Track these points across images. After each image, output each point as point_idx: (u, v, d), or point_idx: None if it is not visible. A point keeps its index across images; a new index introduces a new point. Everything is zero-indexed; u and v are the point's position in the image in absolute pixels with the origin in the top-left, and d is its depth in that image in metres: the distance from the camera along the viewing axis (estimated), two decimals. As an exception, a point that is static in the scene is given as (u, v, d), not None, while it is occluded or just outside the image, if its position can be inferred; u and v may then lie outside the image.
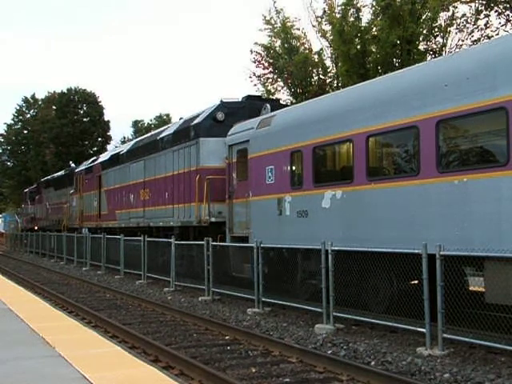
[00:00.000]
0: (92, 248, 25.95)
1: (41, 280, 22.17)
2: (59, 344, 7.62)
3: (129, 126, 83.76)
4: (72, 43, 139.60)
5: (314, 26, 29.48)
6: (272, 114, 15.39)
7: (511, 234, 8.40)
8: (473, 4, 22.72)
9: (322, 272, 10.83)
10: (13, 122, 70.32)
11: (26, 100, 70.69)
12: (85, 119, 64.42)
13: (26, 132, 68.98)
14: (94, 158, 34.16)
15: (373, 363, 8.36)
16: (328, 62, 30.26)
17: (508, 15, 22.30)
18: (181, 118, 23.10)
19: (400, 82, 11.26)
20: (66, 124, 61.41)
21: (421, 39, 24.99)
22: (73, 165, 50.10)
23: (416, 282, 9.67)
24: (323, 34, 28.83)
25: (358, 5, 26.66)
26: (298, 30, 30.74)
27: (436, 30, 24.87)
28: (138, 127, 78.76)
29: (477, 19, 23.06)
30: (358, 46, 25.92)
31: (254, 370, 8.23)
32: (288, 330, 10.78)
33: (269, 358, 9.00)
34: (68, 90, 64.61)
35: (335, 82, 29.79)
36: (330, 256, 10.64)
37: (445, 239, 9.03)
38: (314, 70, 30.27)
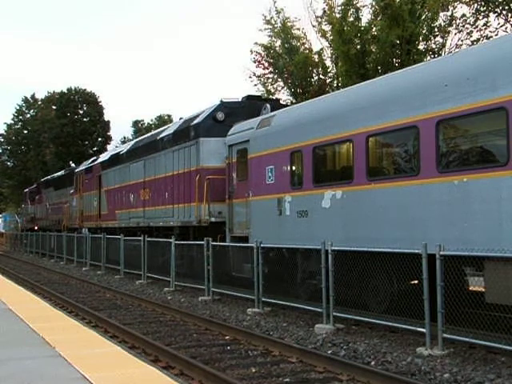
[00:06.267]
0: (92, 248, 25.96)
1: (41, 280, 22.17)
2: (59, 344, 7.62)
3: (129, 126, 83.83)
4: (72, 44, 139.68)
5: (313, 26, 29.54)
6: (272, 114, 15.38)
7: (511, 233, 8.41)
8: (472, 4, 22.69)
9: (322, 272, 10.83)
10: (13, 121, 70.43)
11: (26, 100, 70.69)
12: (85, 119, 64.45)
13: (26, 132, 68.96)
14: (94, 158, 34.13)
15: (373, 363, 8.36)
16: (328, 62, 30.30)
17: (507, 15, 22.30)
18: (181, 118, 23.10)
19: (400, 81, 11.26)
20: (66, 124, 61.43)
21: (420, 39, 24.99)
22: (73, 165, 50.18)
23: (416, 281, 9.67)
24: (323, 34, 28.83)
25: (358, 5, 26.69)
26: (298, 30, 30.80)
27: (435, 29, 24.88)
28: (138, 127, 78.75)
29: (476, 19, 23.05)
30: (358, 46, 25.92)
31: (253, 370, 8.23)
32: (288, 330, 10.78)
33: (269, 358, 9.00)
34: (68, 89, 64.64)
35: (335, 82, 29.79)
36: (329, 256, 10.64)
37: (445, 239, 9.03)
38: (314, 70, 30.27)
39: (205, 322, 11.95)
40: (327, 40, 28.81)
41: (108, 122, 66.95)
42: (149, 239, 19.93)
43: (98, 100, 65.91)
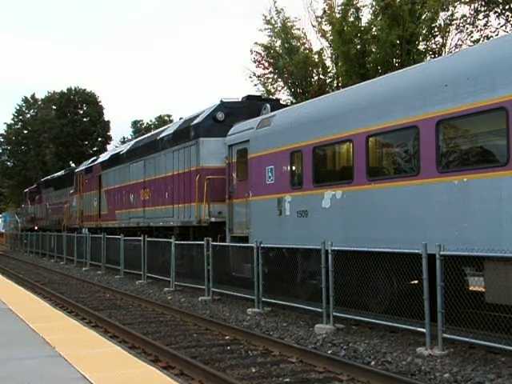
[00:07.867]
0: (92, 248, 25.96)
1: (41, 280, 22.17)
2: (59, 344, 7.62)
3: (129, 126, 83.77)
4: (72, 44, 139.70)
5: (313, 26, 29.57)
6: (272, 114, 15.38)
7: (511, 233, 8.41)
8: (472, 4, 22.68)
9: (322, 272, 10.83)
10: (13, 121, 70.42)
11: (26, 100, 70.69)
12: (85, 119, 64.46)
13: (26, 132, 68.97)
14: (94, 158, 34.13)
15: (373, 363, 8.36)
16: (328, 62, 30.33)
17: (507, 16, 22.29)
18: (181, 118, 23.10)
19: (400, 81, 11.26)
20: (66, 124, 61.43)
21: (420, 39, 25.00)
22: (73, 165, 50.17)
23: (416, 281, 9.67)
24: (323, 34, 28.85)
25: (358, 5, 26.71)
26: (298, 30, 30.83)
27: (435, 29, 24.88)
28: (138, 127, 78.74)
29: (476, 19, 23.04)
30: (358, 46, 25.95)
31: (253, 370, 8.24)
32: (288, 330, 10.78)
33: (269, 358, 9.00)
34: (68, 89, 64.64)
35: (335, 82, 29.80)
36: (329, 256, 10.64)
37: (445, 239, 9.03)
38: (314, 70, 30.29)
39: (205, 322, 11.95)
40: (327, 40, 28.83)
41: (108, 122, 67.02)
42: (149, 239, 19.93)
43: (98, 100, 65.98)
